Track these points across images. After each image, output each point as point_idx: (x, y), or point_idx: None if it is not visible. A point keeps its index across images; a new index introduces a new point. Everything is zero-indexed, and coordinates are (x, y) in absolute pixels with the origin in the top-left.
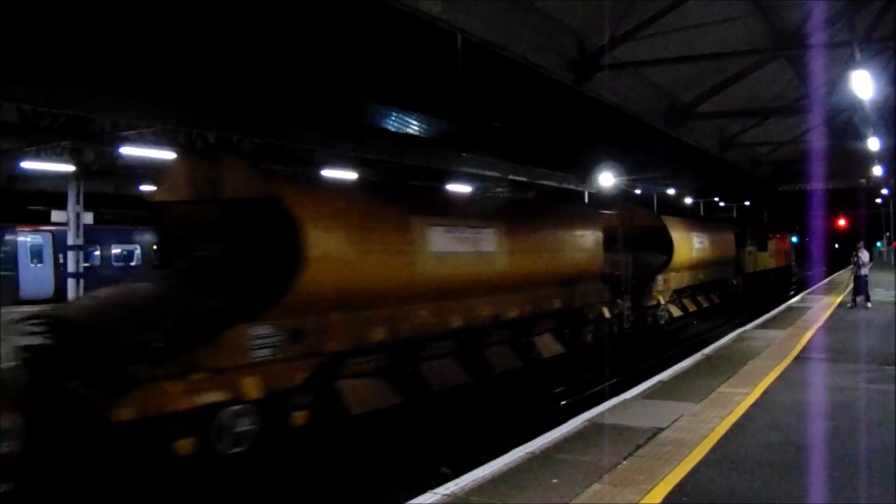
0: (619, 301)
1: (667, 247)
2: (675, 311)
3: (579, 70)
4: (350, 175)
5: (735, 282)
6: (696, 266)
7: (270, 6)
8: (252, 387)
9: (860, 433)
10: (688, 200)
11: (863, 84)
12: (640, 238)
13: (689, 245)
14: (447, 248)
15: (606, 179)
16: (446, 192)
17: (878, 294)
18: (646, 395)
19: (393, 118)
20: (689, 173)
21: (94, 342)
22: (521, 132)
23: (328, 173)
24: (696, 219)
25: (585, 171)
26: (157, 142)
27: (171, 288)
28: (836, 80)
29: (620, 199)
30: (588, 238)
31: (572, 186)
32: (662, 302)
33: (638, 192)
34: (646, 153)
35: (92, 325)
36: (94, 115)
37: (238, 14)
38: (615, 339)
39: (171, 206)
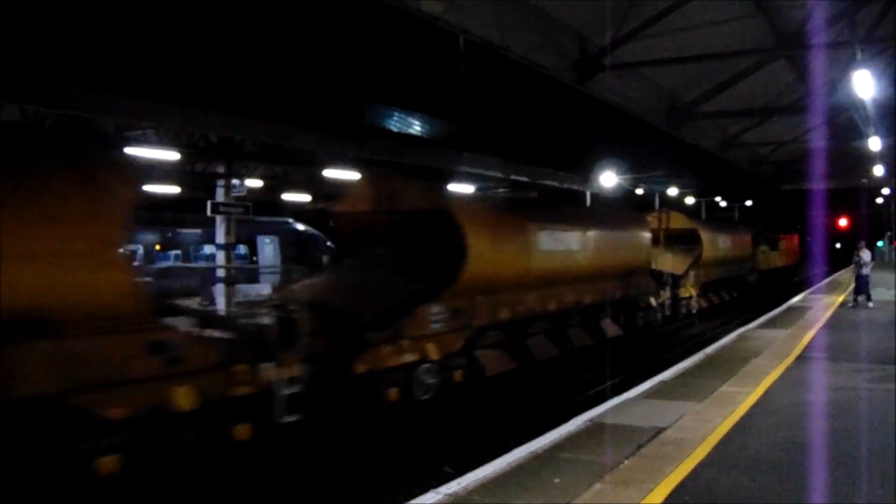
0: (661, 292)
1: (697, 246)
2: (703, 304)
3: (581, 70)
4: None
5: (751, 278)
6: (720, 264)
7: (273, 7)
8: (433, 350)
9: (861, 432)
10: (689, 200)
11: (864, 84)
12: (675, 238)
13: (715, 245)
14: (550, 247)
15: (608, 179)
16: (546, 202)
17: (880, 293)
18: (648, 394)
19: (395, 118)
20: (690, 173)
21: (332, 316)
22: (523, 132)
23: (329, 173)
24: (720, 221)
25: (587, 171)
26: (160, 142)
27: (363, 276)
28: (838, 79)
29: (659, 204)
30: (640, 238)
31: (574, 186)
32: (694, 294)
33: (640, 191)
34: (647, 153)
35: (324, 303)
36: (96, 116)
37: (241, 14)
38: (658, 324)
39: (348, 215)
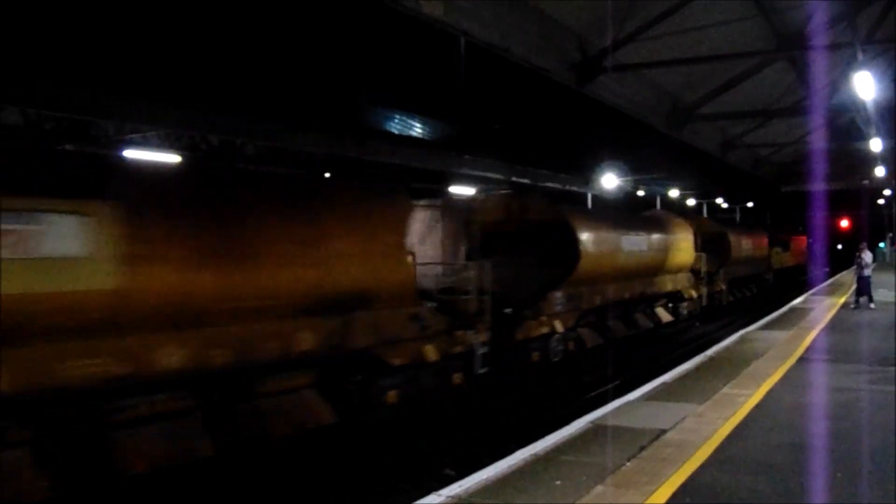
0: (700, 287)
1: (726, 248)
2: (731, 297)
3: (581, 72)
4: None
5: (767, 276)
6: (744, 263)
7: (275, 9)
8: (559, 325)
9: (863, 434)
10: (690, 202)
11: (865, 85)
12: (709, 241)
13: (740, 247)
14: (629, 249)
15: (609, 181)
16: (625, 211)
17: (882, 295)
18: (649, 396)
19: (395, 120)
20: (691, 175)
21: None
22: (524, 134)
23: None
24: (744, 226)
25: (588, 172)
26: (161, 145)
27: (509, 270)
28: (838, 81)
29: (693, 210)
30: (685, 240)
31: (575, 188)
32: (724, 289)
33: (641, 193)
34: (648, 155)
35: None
36: (98, 119)
37: (243, 17)
38: (698, 312)
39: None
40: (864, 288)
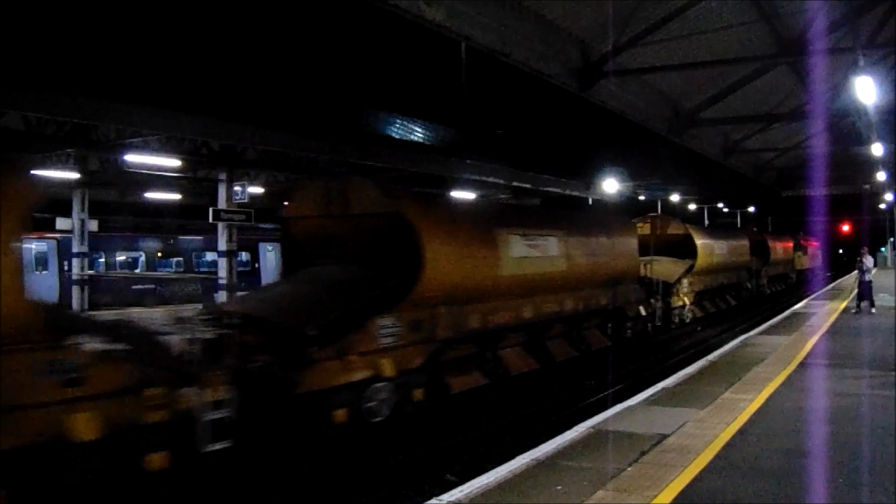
0: (755, 279)
1: (766, 251)
2: (768, 291)
3: (583, 77)
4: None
5: (792, 275)
6: (779, 264)
7: (277, 15)
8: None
9: (864, 439)
10: (692, 206)
11: (866, 89)
12: (755, 247)
13: (776, 251)
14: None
15: (611, 186)
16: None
17: (883, 299)
18: (650, 401)
19: (397, 126)
20: (692, 179)
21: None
22: (525, 139)
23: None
24: (777, 234)
25: (589, 177)
26: (162, 149)
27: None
28: (840, 85)
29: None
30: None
31: (576, 193)
32: (765, 283)
33: (642, 198)
34: (649, 159)
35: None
36: (99, 123)
37: (245, 22)
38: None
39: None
40: (865, 292)
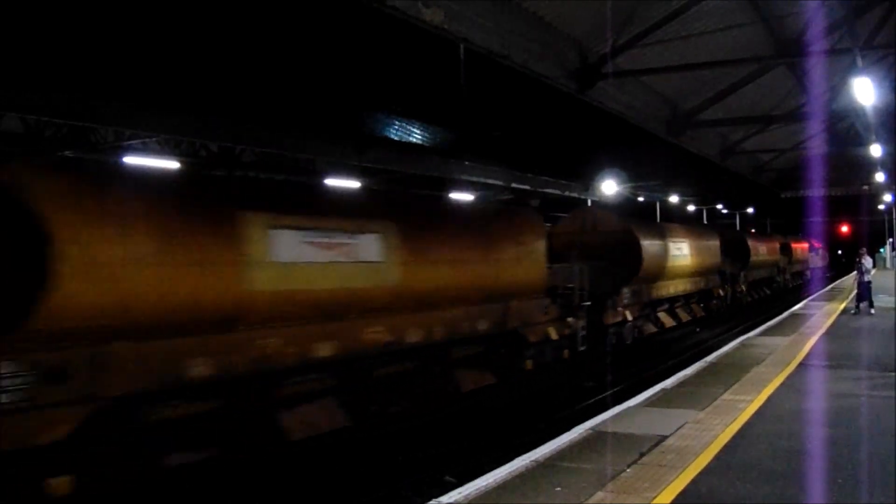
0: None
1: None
2: (790, 285)
3: (581, 78)
4: (353, 184)
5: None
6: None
7: (275, 16)
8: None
9: (863, 440)
10: (690, 208)
11: (864, 90)
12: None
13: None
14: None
15: (609, 187)
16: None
17: (882, 300)
18: (649, 402)
19: (395, 127)
20: (691, 180)
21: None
22: (524, 141)
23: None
24: (801, 238)
25: (588, 179)
26: (161, 151)
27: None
28: (838, 86)
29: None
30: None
31: (575, 194)
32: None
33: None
34: (648, 161)
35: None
36: (97, 125)
37: (242, 23)
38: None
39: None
40: (864, 293)
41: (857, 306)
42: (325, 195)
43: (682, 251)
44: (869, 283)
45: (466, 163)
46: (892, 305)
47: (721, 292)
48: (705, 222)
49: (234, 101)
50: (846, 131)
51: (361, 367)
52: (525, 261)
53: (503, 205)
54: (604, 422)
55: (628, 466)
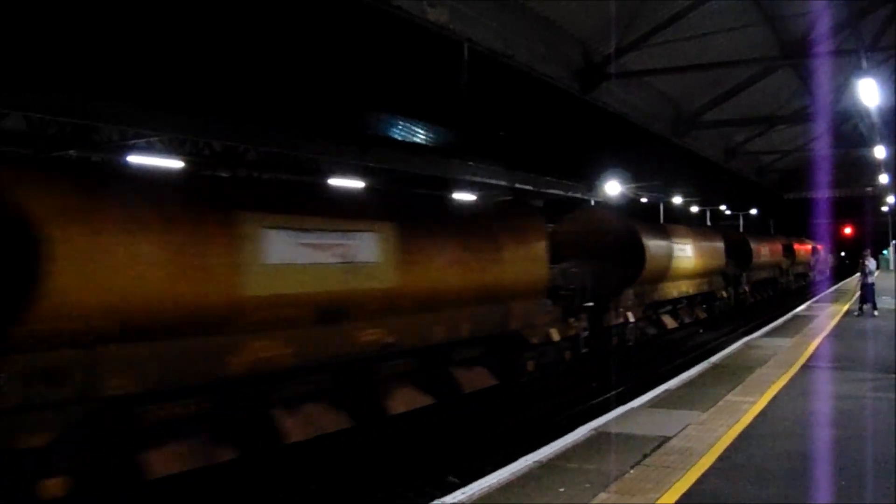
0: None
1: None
2: (799, 282)
3: (585, 79)
4: (356, 184)
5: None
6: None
7: (280, 16)
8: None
9: (867, 442)
10: (694, 209)
11: (869, 92)
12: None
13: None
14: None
15: (612, 188)
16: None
17: (886, 302)
18: (653, 403)
19: (399, 127)
20: (694, 181)
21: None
22: (527, 141)
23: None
24: (800, 236)
25: (591, 179)
26: (165, 150)
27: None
28: (842, 88)
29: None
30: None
31: (579, 195)
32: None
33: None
34: (651, 161)
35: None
36: (101, 124)
37: (246, 23)
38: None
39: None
40: (867, 295)
41: (861, 308)
42: (321, 195)
43: (685, 252)
44: (872, 284)
45: (470, 163)
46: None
47: (724, 294)
48: (708, 223)
49: (237, 100)
50: (850, 132)
51: (361, 368)
52: (526, 261)
53: (503, 204)
54: (607, 422)
55: (632, 467)
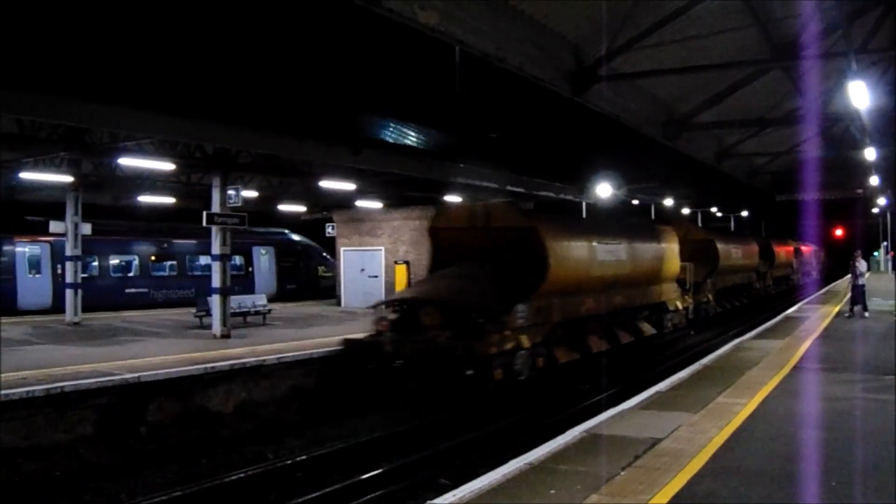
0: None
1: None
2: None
3: (577, 81)
4: (347, 186)
5: (793, 277)
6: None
7: (271, 18)
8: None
9: (857, 443)
10: (686, 210)
11: (859, 94)
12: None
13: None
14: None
15: (604, 190)
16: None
17: (876, 303)
18: (644, 405)
19: (391, 129)
20: (686, 183)
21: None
22: (519, 143)
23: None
24: (788, 238)
25: (583, 181)
26: (156, 152)
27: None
28: (833, 90)
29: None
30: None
31: (570, 197)
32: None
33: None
34: (643, 164)
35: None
36: (92, 126)
37: (237, 24)
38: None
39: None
40: (858, 297)
41: (852, 309)
42: (609, 225)
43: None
44: (863, 286)
45: (461, 165)
46: (887, 309)
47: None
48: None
49: (229, 103)
50: (841, 135)
51: (611, 317)
52: (672, 258)
53: (650, 222)
54: (598, 424)
55: (623, 469)
